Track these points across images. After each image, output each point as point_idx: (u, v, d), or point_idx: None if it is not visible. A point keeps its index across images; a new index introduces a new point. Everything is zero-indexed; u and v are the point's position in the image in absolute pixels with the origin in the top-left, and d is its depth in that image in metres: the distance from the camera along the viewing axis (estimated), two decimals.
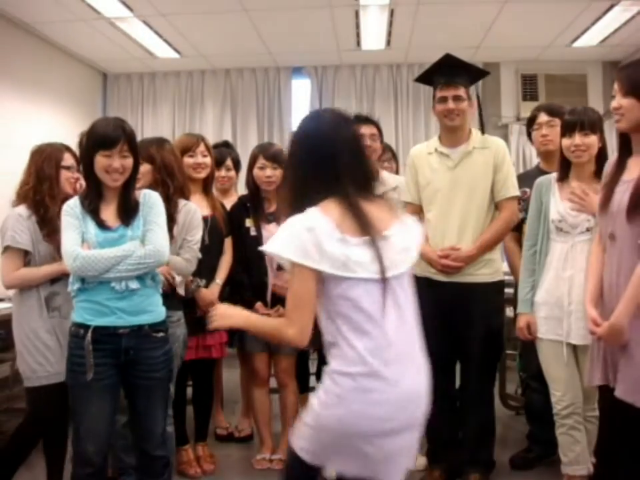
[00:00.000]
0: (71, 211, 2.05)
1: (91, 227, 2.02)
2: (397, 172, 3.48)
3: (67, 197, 2.44)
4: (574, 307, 2.30)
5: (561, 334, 2.34)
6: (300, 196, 1.54)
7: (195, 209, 2.61)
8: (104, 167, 2.00)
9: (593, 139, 2.34)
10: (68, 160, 2.46)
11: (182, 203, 2.56)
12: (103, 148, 1.99)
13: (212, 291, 2.78)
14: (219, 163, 3.23)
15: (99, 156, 1.99)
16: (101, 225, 2.03)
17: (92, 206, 2.05)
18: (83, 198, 2.08)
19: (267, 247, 1.50)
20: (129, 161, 2.04)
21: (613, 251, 1.89)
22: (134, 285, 2.01)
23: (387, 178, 2.97)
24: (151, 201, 2.12)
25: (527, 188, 2.75)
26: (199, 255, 2.59)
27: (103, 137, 2.00)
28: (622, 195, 1.87)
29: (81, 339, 1.98)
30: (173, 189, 2.51)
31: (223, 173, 3.30)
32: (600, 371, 1.93)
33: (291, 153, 1.63)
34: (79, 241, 2.00)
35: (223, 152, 3.33)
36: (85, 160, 2.06)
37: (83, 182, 2.43)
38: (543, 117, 2.90)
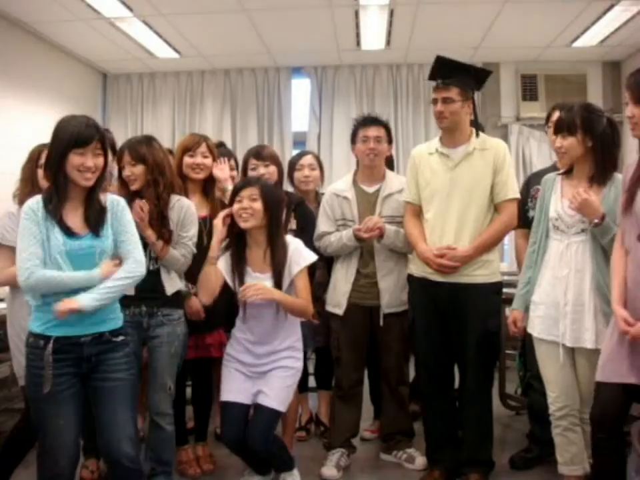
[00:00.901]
0: (32, 215, 1.91)
1: (57, 233, 1.92)
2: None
3: None
4: (570, 308, 2.28)
5: (557, 335, 2.31)
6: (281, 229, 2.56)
7: (188, 204, 2.58)
8: (77, 165, 1.91)
9: (570, 141, 2.29)
10: (44, 159, 2.38)
11: (175, 198, 2.54)
12: (76, 146, 1.91)
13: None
14: None
15: (71, 154, 1.92)
16: (68, 231, 1.93)
17: (57, 209, 1.93)
18: (47, 199, 1.95)
19: (311, 259, 2.52)
20: (101, 160, 1.97)
21: None
22: None
23: (393, 179, 2.96)
24: (119, 208, 2.04)
25: (540, 186, 2.74)
26: (194, 250, 2.58)
27: (77, 135, 1.93)
28: None
29: (41, 350, 1.90)
30: (162, 186, 2.49)
31: None
32: (624, 368, 1.94)
33: (280, 211, 2.55)
34: (38, 254, 1.89)
35: (224, 152, 3.30)
36: (54, 158, 1.95)
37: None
38: (556, 115, 2.89)
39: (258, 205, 2.46)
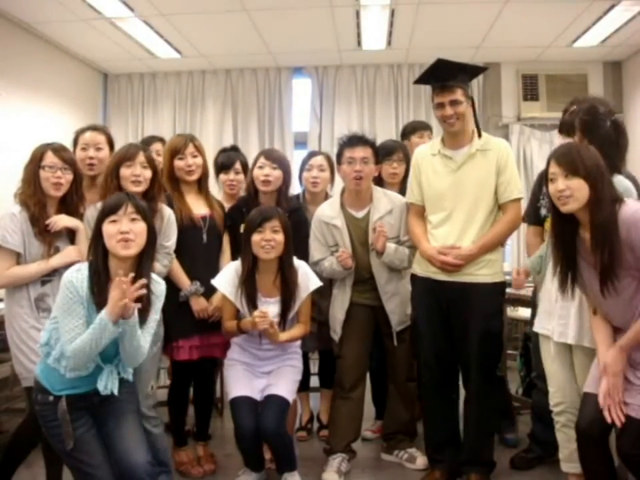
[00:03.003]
0: (76, 294, 1.85)
1: (95, 318, 1.86)
2: (406, 172, 3.22)
3: (62, 198, 2.41)
4: (559, 304, 2.30)
5: (550, 330, 2.35)
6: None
7: (169, 212, 2.60)
8: (111, 234, 1.89)
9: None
10: (48, 159, 2.36)
11: (158, 205, 2.55)
12: (109, 214, 1.92)
13: (212, 298, 2.76)
14: (227, 167, 3.21)
15: (106, 224, 1.91)
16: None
17: (101, 294, 1.86)
18: (93, 273, 1.89)
19: (317, 284, 2.64)
20: (141, 225, 1.93)
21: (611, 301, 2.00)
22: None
23: (381, 199, 2.87)
24: (158, 295, 2.01)
25: None
26: (173, 256, 2.62)
27: (108, 204, 1.96)
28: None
29: (52, 406, 1.90)
30: (157, 187, 2.53)
31: (231, 176, 3.22)
32: (591, 379, 2.04)
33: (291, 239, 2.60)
34: (79, 330, 1.84)
35: (232, 155, 3.27)
36: (95, 232, 1.95)
37: (63, 181, 2.37)
38: (573, 109, 2.87)
39: (280, 237, 2.54)
